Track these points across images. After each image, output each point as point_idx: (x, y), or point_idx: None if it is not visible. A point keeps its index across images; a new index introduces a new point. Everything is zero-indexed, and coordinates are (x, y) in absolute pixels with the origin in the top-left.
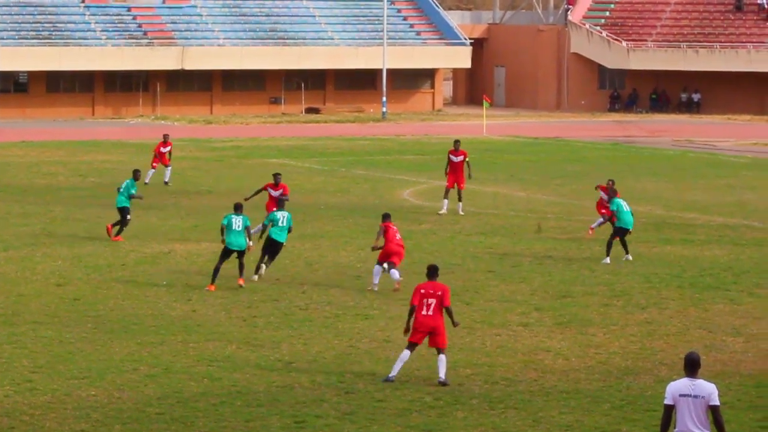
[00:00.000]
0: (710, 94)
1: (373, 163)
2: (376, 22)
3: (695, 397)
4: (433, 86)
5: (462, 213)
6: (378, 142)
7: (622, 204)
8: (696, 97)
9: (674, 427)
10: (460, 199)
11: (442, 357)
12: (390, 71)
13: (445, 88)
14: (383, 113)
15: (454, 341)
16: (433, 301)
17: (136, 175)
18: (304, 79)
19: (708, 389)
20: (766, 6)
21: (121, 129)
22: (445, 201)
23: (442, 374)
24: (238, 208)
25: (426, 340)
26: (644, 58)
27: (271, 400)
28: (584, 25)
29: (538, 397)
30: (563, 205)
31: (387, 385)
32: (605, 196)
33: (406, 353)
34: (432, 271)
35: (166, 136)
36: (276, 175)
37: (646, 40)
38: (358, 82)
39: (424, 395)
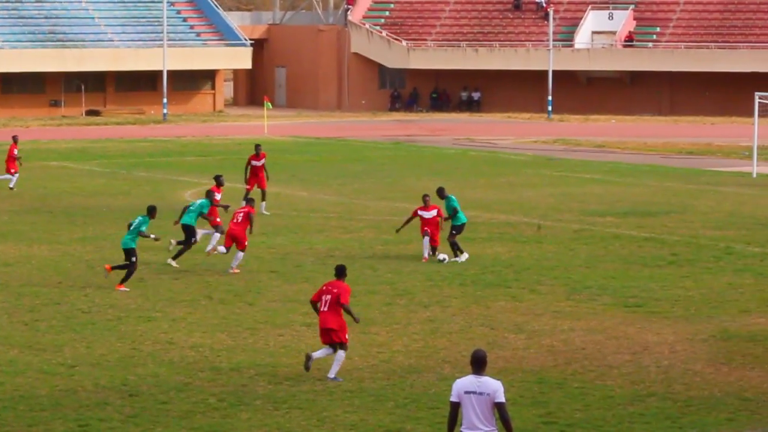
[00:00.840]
0: (490, 93)
1: (154, 164)
2: (156, 23)
3: (480, 394)
4: (213, 87)
5: (267, 213)
6: (159, 144)
7: (457, 201)
8: (476, 95)
9: (461, 425)
10: (264, 199)
11: (340, 354)
12: (170, 73)
13: (226, 89)
14: (164, 115)
15: (237, 342)
16: (328, 298)
17: (151, 212)
18: (85, 82)
19: (493, 386)
20: (544, 4)
21: None
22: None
23: (333, 372)
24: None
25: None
26: (424, 58)
27: (54, 404)
28: (364, 25)
29: (323, 396)
30: (345, 205)
31: (171, 388)
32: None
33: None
34: (339, 271)
35: (15, 137)
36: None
37: (425, 40)
38: (139, 84)
39: (208, 397)
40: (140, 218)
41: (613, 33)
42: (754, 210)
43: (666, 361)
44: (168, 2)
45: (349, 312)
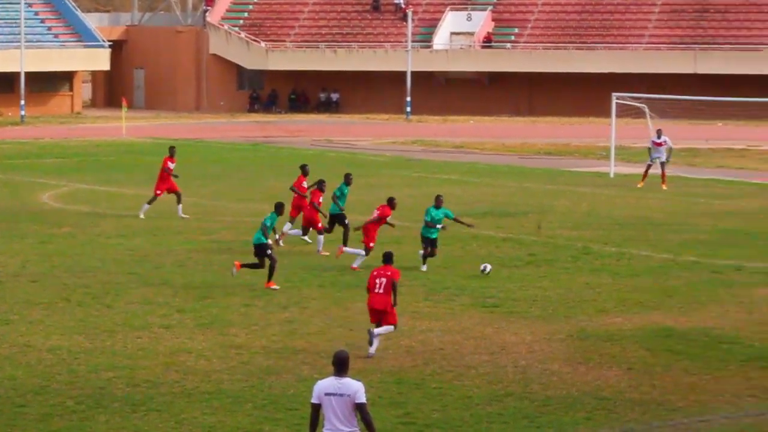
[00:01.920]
0: (349, 94)
1: (13, 166)
2: (14, 24)
3: (341, 395)
4: (72, 89)
5: (185, 216)
6: (17, 146)
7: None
8: (335, 96)
9: (323, 426)
10: (179, 202)
11: (389, 328)
12: (28, 74)
13: (84, 91)
14: (22, 117)
15: (95, 344)
16: (383, 281)
17: (278, 209)
18: None
19: (354, 387)
20: (402, 6)
21: None
22: (147, 206)
23: (372, 348)
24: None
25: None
26: (283, 59)
27: None
28: (223, 26)
29: (181, 398)
30: (204, 206)
31: (28, 391)
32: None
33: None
34: (387, 257)
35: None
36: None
37: (284, 41)
38: None
39: (65, 399)
40: (270, 215)
41: (472, 34)
42: (610, 210)
43: (524, 361)
44: (25, 3)
45: (395, 290)
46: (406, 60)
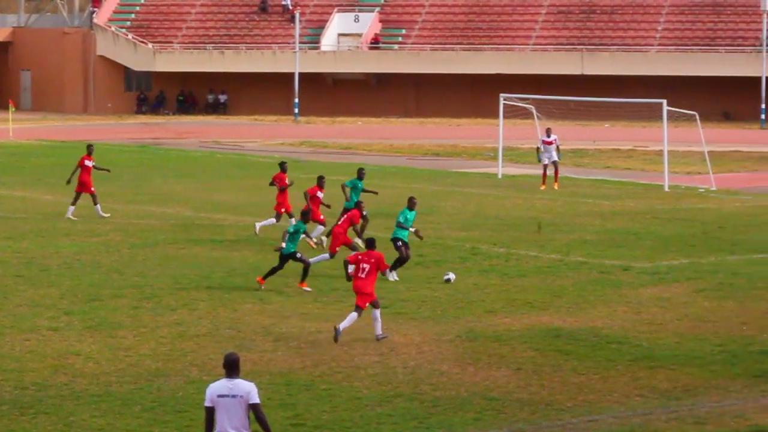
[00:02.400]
0: (237, 95)
1: None
2: None
3: (234, 396)
4: None
5: (106, 215)
6: None
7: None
8: (222, 98)
9: (216, 429)
10: (96, 203)
11: (377, 313)
12: None
13: None
14: None
15: None
16: (367, 267)
17: (304, 216)
18: None
19: (246, 388)
20: (290, 7)
21: None
22: (73, 207)
23: (378, 330)
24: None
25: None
26: (170, 60)
27: None
28: (110, 27)
29: (69, 401)
30: (92, 208)
31: None
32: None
33: (352, 314)
34: (369, 243)
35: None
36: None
37: (171, 42)
38: None
39: None
40: (296, 223)
41: (359, 35)
42: (498, 211)
43: (413, 362)
44: None
45: (384, 274)
46: (294, 61)
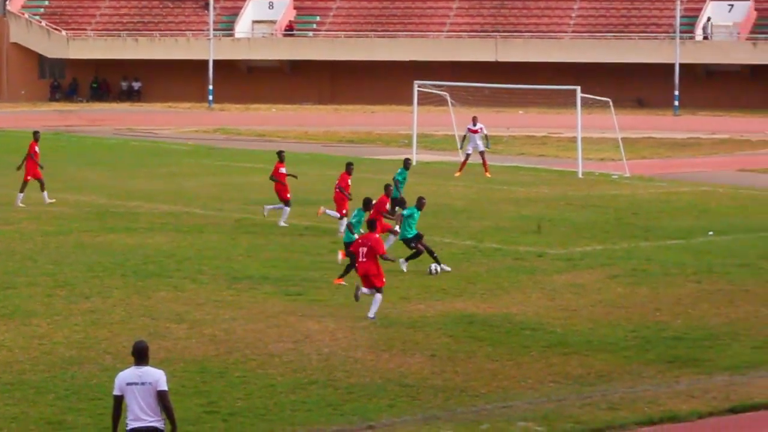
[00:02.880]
0: (151, 83)
1: None
2: None
3: (143, 384)
4: None
5: (52, 200)
6: None
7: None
8: (136, 85)
9: (126, 417)
10: (44, 189)
11: (378, 297)
12: None
13: None
14: None
15: None
16: (365, 249)
17: (366, 205)
18: None
19: (155, 375)
20: None
21: None
22: (21, 195)
23: (372, 311)
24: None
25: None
26: (84, 48)
27: None
28: (23, 14)
29: None
30: (4, 196)
31: None
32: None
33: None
34: (370, 225)
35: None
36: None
37: (85, 30)
38: None
39: None
40: (357, 210)
41: (274, 22)
42: (413, 198)
43: (327, 349)
44: None
45: (386, 259)
46: (208, 48)
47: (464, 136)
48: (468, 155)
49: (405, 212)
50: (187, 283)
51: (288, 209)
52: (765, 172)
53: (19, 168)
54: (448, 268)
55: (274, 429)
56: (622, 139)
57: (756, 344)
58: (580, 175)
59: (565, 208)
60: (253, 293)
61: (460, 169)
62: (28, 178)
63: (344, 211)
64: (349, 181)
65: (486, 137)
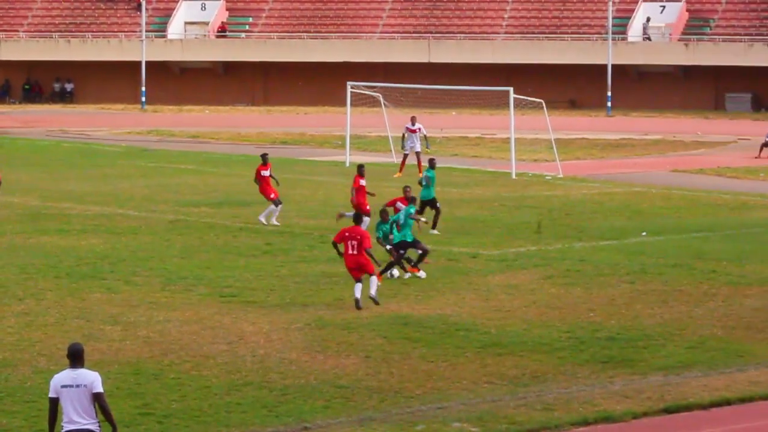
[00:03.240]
0: (83, 84)
1: None
2: None
3: (77, 386)
4: None
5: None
6: None
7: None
8: (69, 86)
9: (62, 420)
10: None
11: (373, 278)
12: None
13: None
14: None
15: None
16: (355, 243)
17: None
18: None
19: (90, 377)
20: None
21: None
22: None
23: (372, 291)
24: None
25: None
26: (16, 49)
27: None
28: None
29: None
30: None
31: None
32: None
33: (357, 285)
34: (357, 218)
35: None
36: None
37: (17, 31)
38: None
39: None
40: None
41: (206, 23)
42: (347, 199)
43: (262, 350)
44: None
45: (371, 256)
46: (141, 50)
47: (403, 135)
48: (406, 155)
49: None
50: (121, 285)
51: (275, 208)
52: (698, 172)
53: None
54: (417, 275)
55: (209, 430)
56: (555, 140)
57: (690, 344)
58: (513, 176)
59: (499, 209)
60: (187, 295)
61: (400, 170)
62: None
63: (368, 208)
64: (362, 181)
65: (425, 138)
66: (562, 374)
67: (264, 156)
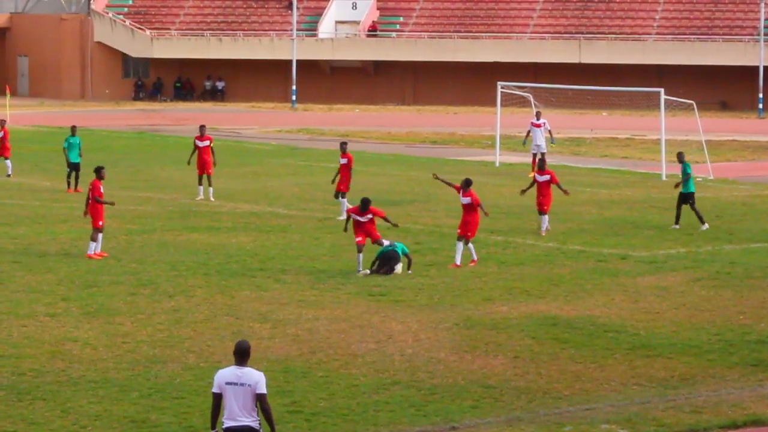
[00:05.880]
0: (234, 82)
1: None
2: None
3: (241, 385)
4: None
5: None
6: None
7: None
8: (220, 85)
9: (223, 415)
10: (210, 185)
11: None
12: None
13: None
14: None
15: None
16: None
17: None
18: None
19: (255, 377)
20: None
21: None
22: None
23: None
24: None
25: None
26: (168, 47)
27: None
28: (107, 14)
29: (67, 387)
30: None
31: None
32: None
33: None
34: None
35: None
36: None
37: (169, 29)
38: None
39: None
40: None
41: (357, 23)
42: (496, 199)
43: (410, 350)
44: None
45: (387, 220)
46: (292, 49)
47: (528, 132)
48: (534, 154)
49: None
50: (271, 283)
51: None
52: None
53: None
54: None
55: (356, 429)
56: (705, 141)
57: None
58: (664, 178)
59: (649, 210)
60: (336, 293)
61: (533, 169)
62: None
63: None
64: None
65: (550, 133)
66: (711, 377)
67: (343, 145)
